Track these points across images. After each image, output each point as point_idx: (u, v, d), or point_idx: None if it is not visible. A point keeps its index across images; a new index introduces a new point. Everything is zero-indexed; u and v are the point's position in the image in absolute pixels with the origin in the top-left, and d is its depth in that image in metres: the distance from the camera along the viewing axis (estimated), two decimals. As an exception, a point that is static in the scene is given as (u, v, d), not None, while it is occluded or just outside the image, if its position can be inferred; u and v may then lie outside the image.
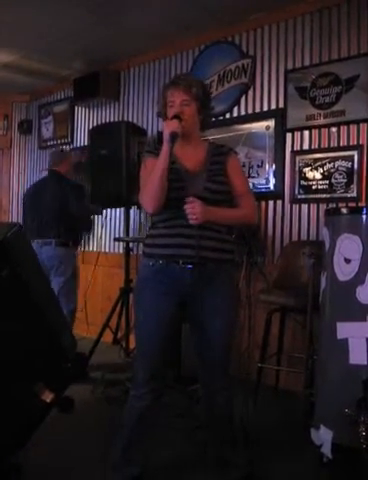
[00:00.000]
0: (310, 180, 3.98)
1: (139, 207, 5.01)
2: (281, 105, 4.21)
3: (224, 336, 2.39)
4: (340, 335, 2.60)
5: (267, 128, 4.25)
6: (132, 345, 4.57)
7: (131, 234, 4.93)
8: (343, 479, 2.61)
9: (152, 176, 2.25)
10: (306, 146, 4.05)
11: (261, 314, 3.76)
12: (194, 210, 2.20)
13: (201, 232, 2.25)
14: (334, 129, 3.87)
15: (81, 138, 5.99)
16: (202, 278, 2.30)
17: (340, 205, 3.78)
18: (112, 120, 5.56)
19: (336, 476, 2.64)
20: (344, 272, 2.60)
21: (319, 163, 3.94)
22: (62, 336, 1.90)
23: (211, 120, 2.60)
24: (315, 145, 3.99)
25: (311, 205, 3.99)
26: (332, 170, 3.86)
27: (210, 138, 2.58)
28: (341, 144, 3.84)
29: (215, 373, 2.42)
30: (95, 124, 5.59)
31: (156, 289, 2.34)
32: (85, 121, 5.97)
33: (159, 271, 2.33)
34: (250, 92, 4.42)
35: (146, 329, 2.37)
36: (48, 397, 1.72)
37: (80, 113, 6.04)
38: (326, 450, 2.63)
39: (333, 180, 3.86)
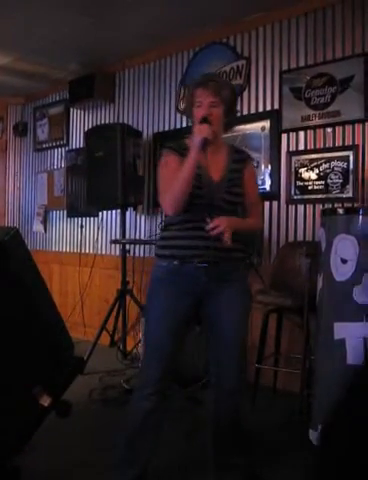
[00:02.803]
0: (306, 181, 3.99)
1: (135, 209, 5.03)
2: (276, 106, 4.22)
3: (238, 336, 2.41)
4: (337, 335, 2.60)
5: (262, 129, 4.26)
6: (129, 347, 4.59)
7: (127, 236, 4.92)
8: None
9: (178, 180, 2.24)
10: (301, 147, 4.05)
11: (258, 315, 3.76)
12: (218, 228, 2.20)
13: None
14: (329, 129, 3.88)
15: (76, 140, 5.98)
16: (216, 277, 2.32)
17: (336, 205, 3.78)
18: (107, 122, 5.56)
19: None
20: (340, 272, 2.60)
21: (315, 164, 3.94)
22: (60, 339, 1.90)
23: (235, 122, 2.58)
24: (310, 146, 4.00)
25: (307, 206, 3.99)
26: (328, 170, 3.87)
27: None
28: (336, 144, 3.84)
29: (228, 374, 2.41)
30: (90, 126, 5.59)
31: (170, 290, 2.35)
32: (80, 123, 5.96)
33: (173, 272, 2.34)
34: (245, 93, 4.42)
35: (157, 330, 2.37)
36: (46, 401, 1.71)
37: (75, 115, 6.03)
38: (313, 437, 2.64)
39: (329, 180, 3.86)
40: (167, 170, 2.37)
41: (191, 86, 2.44)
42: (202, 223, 2.25)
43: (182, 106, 4.77)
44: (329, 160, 3.85)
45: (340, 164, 3.80)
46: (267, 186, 4.23)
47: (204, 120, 2.28)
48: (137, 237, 5.19)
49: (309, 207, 3.98)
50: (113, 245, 5.28)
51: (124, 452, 2.39)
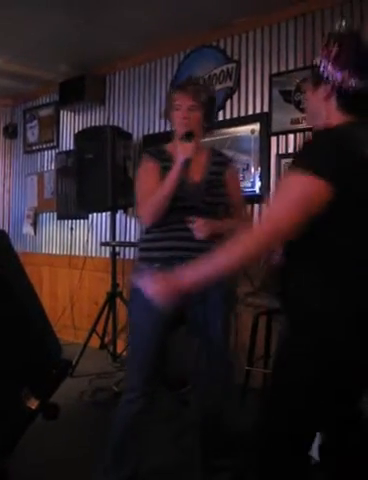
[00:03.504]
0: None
1: (125, 211, 5.02)
2: (266, 109, 4.23)
3: (224, 338, 2.42)
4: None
5: (252, 132, 4.27)
6: (119, 350, 4.58)
7: (117, 238, 4.92)
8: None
9: (157, 196, 2.28)
10: (291, 149, 4.07)
11: (248, 317, 3.77)
12: (200, 229, 2.25)
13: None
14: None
15: (67, 142, 5.97)
16: None
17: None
18: (98, 124, 5.55)
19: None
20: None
21: (304, 166, 3.95)
22: (47, 341, 1.89)
23: (214, 125, 2.63)
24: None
25: (296, 208, 4.00)
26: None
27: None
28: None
29: (212, 376, 2.41)
30: (81, 128, 5.58)
31: None
32: (71, 125, 5.95)
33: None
34: (235, 96, 4.44)
35: (141, 333, 2.38)
36: (33, 404, 1.71)
37: (65, 117, 6.02)
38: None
39: (318, 183, 3.87)
40: (146, 177, 2.41)
41: (171, 90, 2.47)
42: (182, 225, 2.27)
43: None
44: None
45: (329, 167, 3.81)
46: (257, 189, 4.24)
47: (188, 135, 2.31)
48: (127, 239, 5.19)
49: (298, 210, 3.99)
50: (103, 247, 5.27)
51: (113, 455, 2.39)
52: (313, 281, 1.62)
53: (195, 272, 1.69)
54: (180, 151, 2.31)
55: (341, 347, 1.60)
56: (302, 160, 1.60)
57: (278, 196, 1.65)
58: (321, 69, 1.69)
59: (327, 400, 1.67)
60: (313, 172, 1.53)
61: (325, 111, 1.71)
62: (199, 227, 2.23)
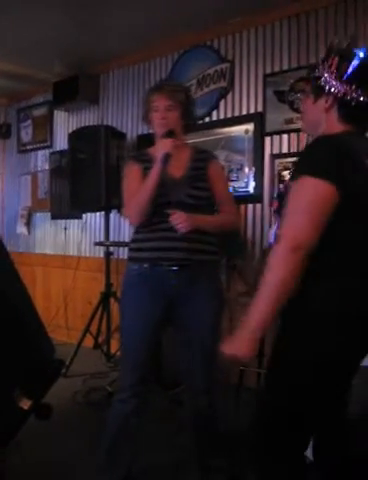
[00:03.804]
0: (289, 183, 4.00)
1: (119, 211, 5.01)
2: (260, 109, 4.24)
3: (209, 338, 2.40)
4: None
5: (246, 132, 4.27)
6: (113, 350, 4.57)
7: (111, 238, 4.91)
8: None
9: (140, 194, 2.30)
10: (285, 149, 4.07)
11: (241, 317, 3.77)
12: (179, 220, 2.23)
13: (185, 234, 2.27)
14: (311, 132, 3.90)
15: (60, 142, 5.96)
16: (187, 279, 2.33)
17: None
18: (91, 124, 5.54)
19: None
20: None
21: (298, 166, 3.96)
22: (40, 341, 1.89)
23: (193, 125, 2.64)
24: (294, 148, 4.02)
25: (290, 208, 4.00)
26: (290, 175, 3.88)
27: (190, 142, 2.60)
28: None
29: (199, 375, 2.42)
30: (74, 128, 5.56)
31: (142, 293, 2.36)
32: (64, 125, 5.94)
33: (144, 275, 2.36)
34: (229, 96, 4.44)
35: (132, 333, 2.38)
36: (26, 404, 1.71)
37: (59, 117, 6.01)
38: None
39: (311, 183, 3.88)
40: (130, 180, 2.45)
41: (146, 93, 2.48)
42: (169, 225, 2.26)
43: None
44: (312, 163, 3.87)
45: (323, 167, 3.82)
46: (251, 188, 4.24)
47: (169, 134, 2.34)
48: (121, 239, 5.19)
49: (292, 209, 4.00)
50: (97, 247, 5.26)
51: (107, 454, 2.40)
52: (313, 281, 1.63)
53: (249, 333, 1.63)
54: (160, 147, 2.34)
55: (339, 347, 1.62)
56: (309, 165, 1.63)
57: (290, 208, 1.64)
58: (322, 81, 1.73)
59: (324, 398, 1.69)
60: (321, 176, 1.57)
61: (326, 121, 1.76)
62: (178, 219, 2.22)
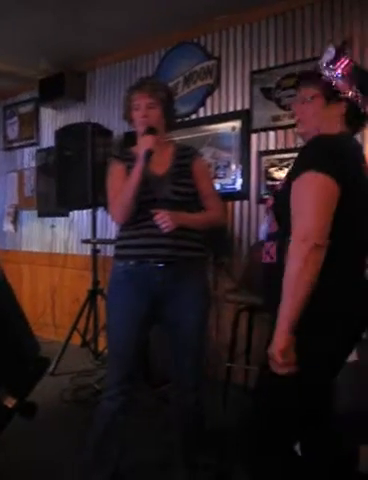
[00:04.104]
0: (276, 180, 4.01)
1: (106, 209, 5.00)
2: (246, 106, 4.24)
3: (196, 335, 2.41)
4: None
5: (233, 129, 4.28)
6: (101, 347, 4.57)
7: (98, 236, 4.90)
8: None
9: (124, 192, 2.30)
10: (272, 146, 4.08)
11: (229, 314, 3.78)
12: (164, 219, 2.22)
13: (171, 231, 2.27)
14: (297, 129, 3.91)
15: (47, 139, 5.93)
16: (173, 276, 2.32)
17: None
18: (78, 121, 5.51)
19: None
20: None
21: (285, 163, 3.97)
22: (24, 339, 1.88)
23: (175, 122, 2.65)
24: (280, 145, 4.03)
25: (277, 205, 4.02)
26: (288, 172, 3.89)
27: (177, 139, 2.59)
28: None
29: (187, 373, 2.42)
30: (61, 125, 5.53)
31: (128, 290, 2.36)
32: (51, 122, 5.91)
33: (130, 272, 2.35)
34: (216, 93, 4.44)
35: (119, 330, 2.38)
36: (10, 402, 1.70)
37: (46, 114, 5.98)
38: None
39: (298, 180, 3.89)
40: (113, 180, 2.45)
41: (127, 92, 2.47)
42: (153, 222, 2.26)
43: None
44: (299, 160, 3.88)
45: (309, 164, 3.83)
46: (238, 185, 4.25)
47: (150, 130, 2.34)
48: (108, 237, 5.17)
49: (279, 206, 4.01)
50: (84, 245, 5.24)
51: (94, 453, 2.39)
52: None
53: (280, 332, 1.65)
54: (141, 144, 2.34)
55: (332, 344, 1.68)
56: (312, 161, 1.66)
57: (298, 204, 1.66)
58: (334, 85, 1.79)
59: (317, 392, 1.74)
60: (325, 171, 1.61)
61: (333, 124, 1.80)
62: (162, 218, 2.22)
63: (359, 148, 1.86)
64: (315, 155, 1.68)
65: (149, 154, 2.27)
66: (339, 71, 1.80)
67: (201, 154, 2.60)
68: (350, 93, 1.80)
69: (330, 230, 1.62)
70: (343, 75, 1.79)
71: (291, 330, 1.62)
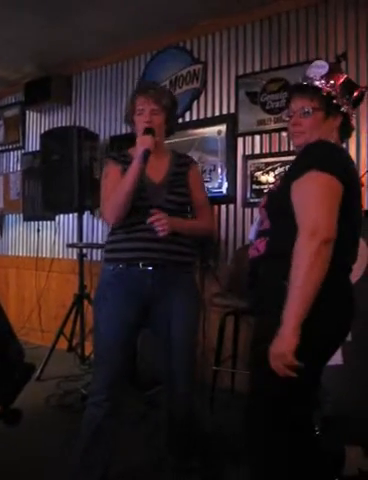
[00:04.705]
0: (262, 184, 4.03)
1: (92, 212, 4.99)
2: (232, 110, 4.26)
3: (187, 340, 2.41)
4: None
5: (219, 133, 4.29)
6: (87, 352, 4.55)
7: (84, 240, 4.88)
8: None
9: (118, 191, 2.28)
10: (257, 150, 4.10)
11: (215, 317, 3.79)
12: (161, 222, 2.22)
13: (164, 236, 2.27)
14: (285, 134, 3.92)
15: (33, 143, 5.90)
16: (163, 280, 2.32)
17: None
18: (64, 125, 5.51)
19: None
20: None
21: (270, 167, 3.99)
22: (9, 345, 1.87)
23: (175, 129, 2.62)
24: (266, 149, 4.05)
25: (263, 209, 4.03)
26: (283, 174, 3.91)
27: (165, 143, 2.58)
28: (291, 148, 3.89)
29: (179, 378, 2.41)
30: (47, 129, 5.52)
31: (117, 293, 2.35)
32: (37, 126, 5.88)
33: (120, 275, 2.35)
34: (202, 97, 4.45)
35: (106, 334, 2.35)
36: (-5, 409, 1.69)
37: (31, 118, 5.95)
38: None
39: (284, 184, 3.91)
40: (108, 181, 2.42)
41: (132, 94, 2.46)
42: (145, 226, 2.26)
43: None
44: (284, 164, 3.90)
45: (295, 168, 3.85)
46: (223, 189, 4.26)
47: (148, 131, 2.33)
48: (94, 241, 5.16)
49: (265, 210, 4.02)
50: (70, 249, 5.23)
51: (81, 459, 2.37)
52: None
53: (289, 329, 1.61)
54: (139, 142, 2.32)
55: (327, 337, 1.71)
56: (316, 161, 1.69)
57: (305, 200, 1.67)
58: (335, 100, 1.84)
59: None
60: (330, 171, 1.65)
61: (330, 136, 1.85)
62: (159, 221, 2.21)
63: (350, 157, 1.92)
64: (319, 155, 1.72)
65: (147, 154, 2.26)
66: (338, 86, 1.85)
67: (197, 163, 2.62)
68: (346, 107, 1.86)
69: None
70: (341, 90, 1.85)
71: (300, 327, 1.60)
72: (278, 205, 1.74)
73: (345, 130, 1.91)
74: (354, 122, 1.90)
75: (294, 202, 1.70)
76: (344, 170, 1.70)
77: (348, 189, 1.68)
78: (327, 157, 1.71)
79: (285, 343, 1.61)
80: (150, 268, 2.31)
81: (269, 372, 1.66)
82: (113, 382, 2.34)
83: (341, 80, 1.87)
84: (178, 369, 2.39)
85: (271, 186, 3.93)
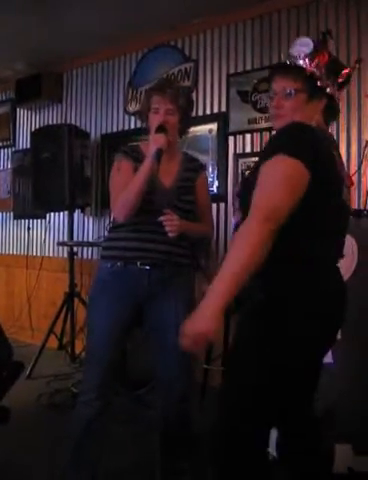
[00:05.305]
0: (253, 183, 4.03)
1: (83, 211, 4.98)
2: (223, 109, 4.26)
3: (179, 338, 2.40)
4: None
5: (210, 131, 4.29)
6: (78, 350, 4.54)
7: (75, 238, 4.87)
8: (288, 478, 2.64)
9: (129, 189, 2.25)
10: (248, 149, 4.10)
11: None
12: (173, 223, 2.22)
13: (160, 236, 2.26)
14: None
15: (23, 141, 5.88)
16: (160, 280, 2.32)
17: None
18: (55, 122, 5.49)
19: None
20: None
21: (261, 166, 3.99)
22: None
23: (189, 129, 2.58)
24: (257, 148, 4.05)
25: (254, 207, 4.03)
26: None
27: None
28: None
29: (174, 379, 2.38)
30: (38, 126, 5.50)
31: (113, 291, 2.34)
32: (27, 123, 5.86)
33: (117, 273, 2.33)
34: (193, 95, 4.43)
35: (99, 332, 2.34)
36: (-17, 408, 1.68)
37: (22, 115, 5.93)
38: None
39: (275, 183, 3.91)
40: (120, 176, 2.38)
41: (148, 90, 2.44)
42: (149, 227, 2.26)
43: (130, 108, 4.80)
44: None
45: (286, 167, 3.85)
46: (214, 188, 4.25)
47: (161, 129, 2.30)
48: (85, 239, 5.15)
49: (256, 209, 4.02)
50: (61, 247, 5.21)
51: (71, 458, 2.36)
52: (279, 268, 1.62)
53: (213, 310, 1.52)
54: (152, 141, 2.30)
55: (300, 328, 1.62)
56: (285, 145, 1.59)
57: (265, 180, 1.57)
58: (319, 82, 1.73)
59: (285, 382, 1.68)
60: (298, 157, 1.54)
61: (312, 120, 1.74)
62: (170, 221, 2.20)
63: (333, 142, 1.82)
64: (287, 140, 1.61)
65: (160, 153, 2.24)
66: (322, 66, 1.74)
67: (205, 169, 2.63)
68: (330, 89, 1.76)
69: (302, 224, 1.58)
70: (326, 70, 1.75)
71: (224, 309, 1.50)
72: (250, 193, 1.61)
73: (330, 113, 1.81)
74: (343, 120, 1.87)
75: (257, 183, 1.59)
76: (315, 157, 1.58)
77: (318, 177, 1.58)
78: (296, 141, 1.59)
79: (206, 324, 1.50)
80: (147, 267, 2.30)
81: (257, 376, 1.65)
82: (104, 381, 2.33)
83: (326, 59, 1.76)
84: (174, 371, 2.37)
85: (245, 174, 3.92)
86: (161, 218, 2.21)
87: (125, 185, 2.28)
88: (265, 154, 1.64)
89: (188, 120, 2.49)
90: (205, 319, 1.51)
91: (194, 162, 2.55)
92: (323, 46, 1.81)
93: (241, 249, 1.50)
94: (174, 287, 2.36)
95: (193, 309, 2.47)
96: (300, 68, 1.74)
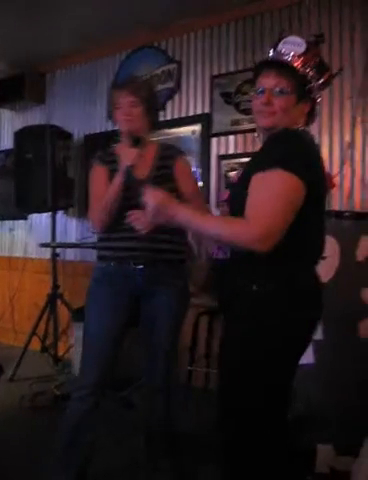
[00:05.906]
0: (236, 184, 4.04)
1: (65, 212, 4.96)
2: (207, 110, 4.27)
3: (170, 338, 2.43)
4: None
5: (193, 133, 4.30)
6: (61, 352, 4.52)
7: (58, 239, 4.85)
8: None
9: (103, 201, 2.30)
10: (231, 150, 4.12)
11: (189, 317, 3.78)
12: (138, 221, 2.19)
13: (152, 234, 2.25)
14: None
15: (6, 141, 5.84)
16: (153, 279, 2.35)
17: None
18: (37, 123, 5.44)
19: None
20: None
21: (244, 167, 4.00)
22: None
23: (158, 120, 2.62)
24: (240, 149, 4.07)
25: (237, 209, 4.05)
26: (245, 165, 3.92)
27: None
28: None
29: (158, 375, 2.43)
30: (20, 127, 5.45)
31: (108, 291, 2.37)
32: (10, 124, 5.82)
33: (111, 273, 2.37)
34: (176, 97, 4.46)
35: (96, 330, 2.36)
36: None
37: (4, 116, 5.89)
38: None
39: (258, 184, 3.93)
40: (96, 185, 2.44)
41: (110, 91, 2.48)
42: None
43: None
44: (258, 164, 3.91)
45: (269, 168, 3.87)
46: (198, 189, 4.26)
47: (136, 142, 2.33)
48: (68, 240, 5.13)
49: (239, 210, 4.04)
50: (43, 249, 5.17)
51: (62, 453, 2.36)
52: (262, 270, 1.67)
53: (183, 216, 1.73)
54: (123, 157, 2.33)
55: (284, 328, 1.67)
56: (280, 158, 1.60)
57: (264, 195, 1.59)
58: (309, 85, 1.74)
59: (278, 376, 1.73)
60: (293, 171, 1.57)
61: (298, 122, 1.76)
62: (136, 220, 2.21)
63: (315, 144, 1.83)
64: (286, 152, 1.62)
65: (130, 170, 2.28)
66: (311, 68, 1.74)
67: (184, 153, 2.56)
68: (315, 93, 1.76)
69: (289, 227, 1.60)
70: (314, 73, 1.74)
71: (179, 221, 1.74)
72: (242, 201, 1.63)
73: (311, 116, 1.83)
74: (326, 122, 1.88)
75: (250, 192, 1.61)
76: (310, 169, 1.61)
77: (313, 188, 1.61)
78: (294, 155, 1.61)
79: (170, 211, 1.74)
80: (141, 266, 2.33)
81: (242, 377, 1.68)
82: (100, 379, 2.34)
83: (316, 62, 1.75)
84: (157, 367, 2.42)
85: (232, 177, 3.94)
86: (127, 221, 2.19)
87: (101, 192, 2.35)
88: (258, 163, 1.65)
89: (156, 111, 2.52)
90: (171, 210, 1.75)
91: (170, 149, 2.53)
92: (315, 48, 1.78)
93: (223, 229, 1.66)
94: (167, 284, 2.38)
95: (186, 305, 2.50)
96: (294, 68, 1.72)
